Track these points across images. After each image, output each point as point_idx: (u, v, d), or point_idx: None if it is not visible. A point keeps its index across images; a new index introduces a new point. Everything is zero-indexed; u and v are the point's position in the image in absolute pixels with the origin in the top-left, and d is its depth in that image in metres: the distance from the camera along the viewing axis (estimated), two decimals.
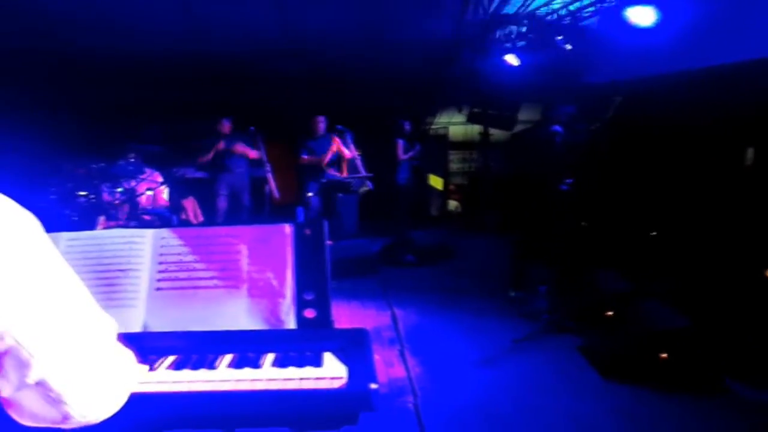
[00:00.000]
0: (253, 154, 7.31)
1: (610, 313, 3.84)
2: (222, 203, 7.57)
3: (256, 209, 7.67)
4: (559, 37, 5.68)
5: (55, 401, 0.93)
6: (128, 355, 1.09)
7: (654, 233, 4.11)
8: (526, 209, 6.38)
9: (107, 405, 0.99)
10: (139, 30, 7.16)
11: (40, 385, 0.91)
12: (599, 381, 3.51)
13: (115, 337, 1.06)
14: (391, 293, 5.48)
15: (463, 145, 11.10)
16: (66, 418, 0.95)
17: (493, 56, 7.03)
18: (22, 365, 0.90)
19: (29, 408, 0.94)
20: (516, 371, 3.69)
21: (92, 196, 6.37)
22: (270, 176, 6.65)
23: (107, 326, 1.04)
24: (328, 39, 7.63)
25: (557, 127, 4.52)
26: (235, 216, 7.56)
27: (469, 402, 3.24)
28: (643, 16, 4.81)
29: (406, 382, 3.41)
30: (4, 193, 0.92)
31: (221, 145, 7.34)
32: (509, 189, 8.28)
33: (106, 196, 6.42)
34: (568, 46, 5.70)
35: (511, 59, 6.80)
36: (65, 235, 1.82)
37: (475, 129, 10.29)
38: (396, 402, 3.20)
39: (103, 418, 0.98)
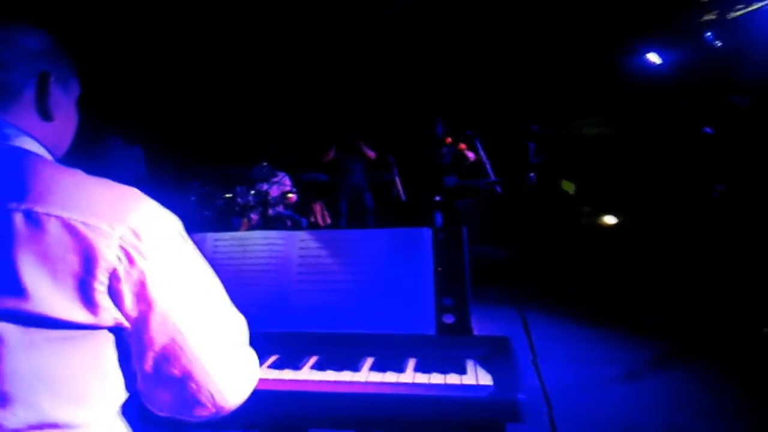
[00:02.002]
0: (371, 154, 7.41)
1: None
2: (344, 206, 7.72)
3: (381, 212, 7.76)
4: (708, 34, 5.31)
5: (193, 392, 0.98)
6: (253, 353, 1.15)
7: None
8: (666, 215, 6.03)
9: (236, 398, 1.05)
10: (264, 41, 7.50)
11: (184, 376, 0.97)
12: (757, 404, 3.22)
13: (246, 334, 1.12)
14: (522, 301, 5.33)
15: (597, 147, 10.64)
16: (199, 408, 1.01)
17: (632, 54, 6.71)
18: (172, 357, 0.95)
19: (166, 399, 1.00)
20: (660, 389, 3.45)
21: (229, 198, 6.70)
22: (397, 179, 6.72)
23: (240, 323, 1.11)
24: (456, 40, 7.61)
25: (707, 129, 4.23)
26: (358, 219, 7.68)
27: (608, 417, 3.08)
28: None
29: (539, 392, 3.29)
30: (155, 195, 0.98)
31: (339, 146, 7.49)
32: (647, 194, 7.86)
33: (241, 199, 6.73)
34: (718, 43, 5.31)
35: (653, 57, 6.44)
36: (212, 236, 1.91)
37: (611, 131, 9.86)
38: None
39: (230, 410, 1.04)
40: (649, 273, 5.92)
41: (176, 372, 0.96)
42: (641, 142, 8.73)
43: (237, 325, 1.10)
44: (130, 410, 1.03)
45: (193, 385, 0.98)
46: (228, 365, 1.02)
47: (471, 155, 7.14)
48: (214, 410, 1.02)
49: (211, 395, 0.99)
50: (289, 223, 6.89)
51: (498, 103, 8.94)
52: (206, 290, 1.02)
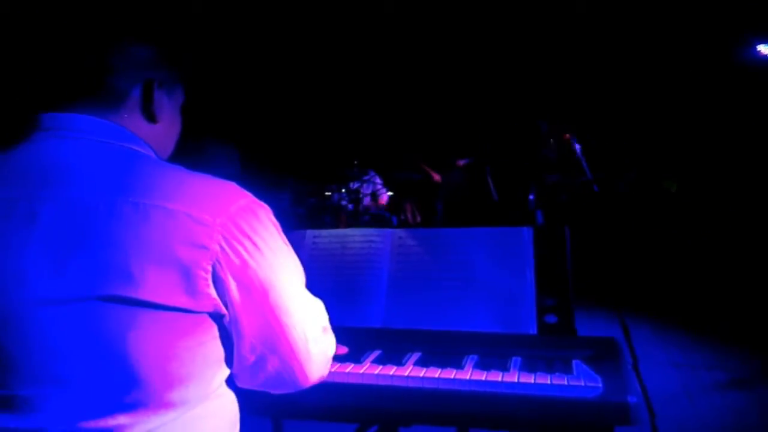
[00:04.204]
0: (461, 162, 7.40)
1: None
2: (440, 205, 7.71)
3: (473, 211, 7.68)
4: None
5: (278, 370, 1.05)
6: (332, 336, 1.22)
7: None
8: None
9: (315, 377, 1.11)
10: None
11: (272, 355, 1.03)
12: None
13: (326, 317, 1.19)
14: (621, 303, 5.15)
15: (704, 144, 10.12)
16: (280, 385, 1.08)
17: (741, 46, 6.32)
18: (266, 339, 1.01)
19: (252, 375, 1.06)
20: None
21: (325, 196, 6.84)
22: (489, 178, 6.66)
23: (320, 307, 1.18)
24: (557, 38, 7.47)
25: None
26: (451, 218, 7.64)
27: (717, 427, 2.94)
28: None
29: (641, 398, 3.19)
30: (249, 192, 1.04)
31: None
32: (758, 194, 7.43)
33: (333, 197, 6.85)
34: None
35: (765, 49, 6.03)
36: (311, 232, 1.95)
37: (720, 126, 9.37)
38: None
39: (306, 387, 1.10)
40: (755, 276, 5.61)
41: (267, 352, 1.02)
42: (753, 139, 8.23)
43: (318, 309, 1.17)
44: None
45: (279, 364, 1.04)
46: (311, 346, 1.08)
47: (578, 146, 6.92)
48: (293, 388, 1.09)
49: (294, 373, 1.06)
50: (379, 221, 6.94)
51: (598, 99, 8.66)
52: (295, 276, 1.08)
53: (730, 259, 6.72)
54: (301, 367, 1.05)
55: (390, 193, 7.26)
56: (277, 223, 1.06)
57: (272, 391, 1.10)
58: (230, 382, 1.07)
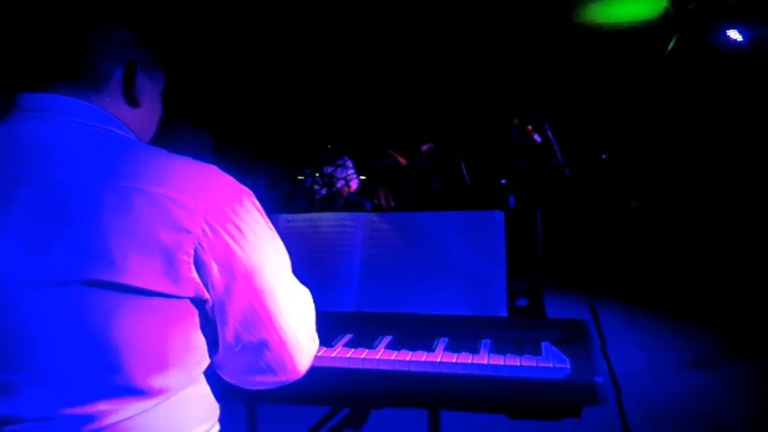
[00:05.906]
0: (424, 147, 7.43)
1: None
2: (409, 189, 7.72)
3: (446, 194, 7.70)
4: None
5: (267, 359, 1.03)
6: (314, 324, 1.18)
7: None
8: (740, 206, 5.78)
9: (304, 366, 1.09)
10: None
11: (260, 343, 1.01)
12: None
13: (312, 306, 1.17)
14: (590, 286, 5.23)
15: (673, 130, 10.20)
16: (270, 375, 1.06)
17: (710, 31, 6.33)
18: (252, 324, 1.00)
19: (239, 366, 1.05)
20: (738, 377, 3.35)
21: (298, 180, 6.82)
22: (462, 162, 6.68)
23: (307, 295, 1.16)
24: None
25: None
26: (424, 203, 7.65)
27: (680, 405, 3.00)
28: None
29: (607, 375, 3.25)
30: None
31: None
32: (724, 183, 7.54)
33: (307, 181, 6.83)
34: None
35: (734, 34, 6.03)
36: (284, 217, 1.94)
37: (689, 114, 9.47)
38: None
39: (296, 378, 1.08)
40: (719, 260, 5.73)
41: (254, 339, 1.01)
42: (721, 126, 8.33)
43: (305, 296, 1.15)
44: (208, 378, 1.08)
45: (268, 353, 1.02)
46: (299, 334, 1.07)
47: (538, 138, 6.95)
48: (282, 378, 1.07)
49: (284, 362, 1.04)
50: (352, 206, 6.94)
51: (567, 83, 8.69)
52: (281, 261, 1.07)
53: (697, 244, 6.85)
54: (290, 355, 1.04)
55: (363, 177, 7.25)
56: (261, 208, 1.05)
57: (259, 385, 1.08)
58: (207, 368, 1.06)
